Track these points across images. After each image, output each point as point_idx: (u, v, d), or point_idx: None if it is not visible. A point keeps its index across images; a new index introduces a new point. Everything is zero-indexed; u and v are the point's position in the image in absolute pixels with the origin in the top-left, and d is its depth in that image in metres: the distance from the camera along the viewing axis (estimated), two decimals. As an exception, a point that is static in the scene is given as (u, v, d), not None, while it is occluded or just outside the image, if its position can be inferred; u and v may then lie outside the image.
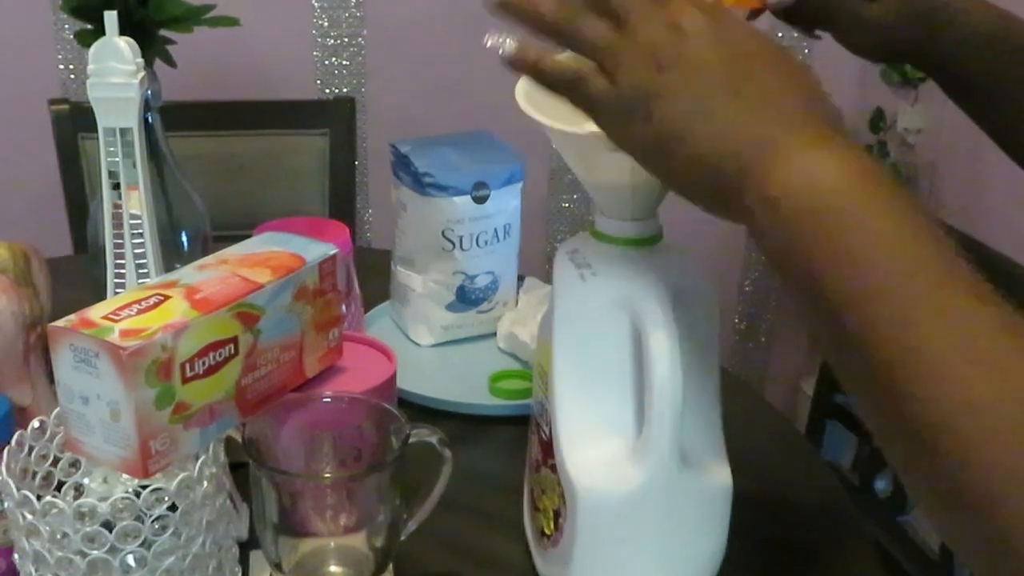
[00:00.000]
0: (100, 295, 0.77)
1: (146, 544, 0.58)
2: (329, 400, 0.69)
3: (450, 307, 1.03)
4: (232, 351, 0.65)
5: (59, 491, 0.65)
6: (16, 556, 0.60)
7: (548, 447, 0.67)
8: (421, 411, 0.91)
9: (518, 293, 1.07)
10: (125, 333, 0.58)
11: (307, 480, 0.65)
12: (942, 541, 1.06)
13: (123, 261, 0.80)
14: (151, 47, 0.90)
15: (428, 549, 0.73)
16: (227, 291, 0.65)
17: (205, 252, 0.89)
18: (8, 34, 1.73)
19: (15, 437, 0.63)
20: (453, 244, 1.01)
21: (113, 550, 0.57)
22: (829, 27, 0.82)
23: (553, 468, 0.66)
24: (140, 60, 0.77)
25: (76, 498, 0.64)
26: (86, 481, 0.66)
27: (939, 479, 0.44)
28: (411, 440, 0.64)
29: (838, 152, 0.48)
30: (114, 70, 0.76)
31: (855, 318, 0.45)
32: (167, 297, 0.63)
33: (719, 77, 0.50)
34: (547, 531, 0.69)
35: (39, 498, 0.57)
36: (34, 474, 0.64)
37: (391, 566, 0.67)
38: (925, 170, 2.01)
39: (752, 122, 0.49)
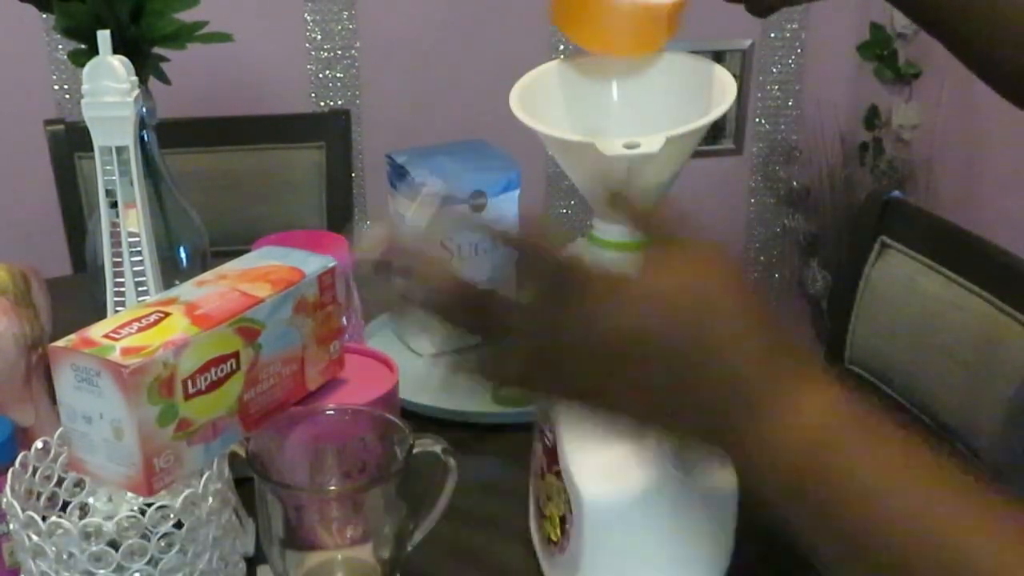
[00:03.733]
0: (100, 314, 0.77)
1: (153, 562, 0.58)
2: (332, 413, 0.69)
3: (450, 316, 1.03)
4: (233, 366, 0.64)
5: (64, 511, 0.65)
6: (23, 577, 0.60)
7: (552, 453, 0.66)
8: (424, 421, 0.91)
9: (518, 300, 1.07)
10: (126, 351, 0.58)
11: (312, 494, 0.65)
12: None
13: (122, 279, 0.80)
14: (145, 65, 0.90)
15: (435, 559, 0.73)
16: (227, 306, 0.65)
17: (204, 268, 0.89)
18: (1, 56, 1.74)
19: (19, 458, 0.63)
20: (451, 253, 1.01)
21: (120, 569, 0.57)
22: None
23: (558, 475, 0.66)
24: (134, 78, 0.77)
25: (81, 518, 0.64)
26: (91, 500, 0.66)
27: None
28: (415, 450, 0.64)
29: (820, 389, 0.47)
30: (108, 89, 0.76)
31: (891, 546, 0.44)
32: (167, 314, 0.63)
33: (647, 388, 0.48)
34: (554, 538, 0.69)
35: (44, 519, 0.57)
36: (39, 495, 0.64)
37: (398, 577, 0.67)
38: (920, 166, 2.01)
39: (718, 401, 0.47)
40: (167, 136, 0.93)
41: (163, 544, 0.58)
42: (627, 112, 0.70)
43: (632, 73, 0.70)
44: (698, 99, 0.67)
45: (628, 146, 0.58)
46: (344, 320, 0.91)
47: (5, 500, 0.59)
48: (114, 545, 0.57)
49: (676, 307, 0.47)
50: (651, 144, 0.58)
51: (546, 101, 0.68)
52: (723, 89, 0.66)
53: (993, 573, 0.42)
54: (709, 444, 0.50)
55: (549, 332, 0.49)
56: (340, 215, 1.62)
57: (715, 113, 0.63)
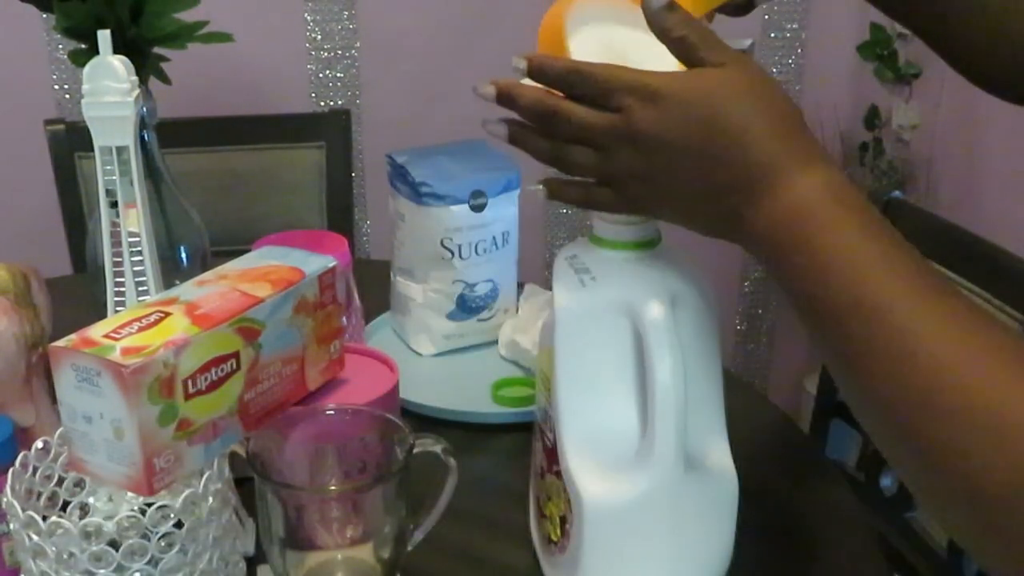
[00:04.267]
0: (100, 314, 0.77)
1: (153, 562, 0.58)
2: (332, 412, 0.69)
3: (451, 316, 1.03)
4: (234, 366, 0.65)
5: (64, 511, 0.65)
6: (23, 577, 0.60)
7: (552, 453, 0.67)
8: (424, 421, 0.91)
9: (518, 300, 1.07)
10: (126, 351, 0.58)
11: (312, 493, 0.65)
12: (950, 537, 1.06)
13: (122, 279, 0.80)
14: (145, 65, 0.90)
15: (435, 559, 0.73)
16: (227, 306, 0.65)
17: (204, 268, 0.89)
18: (1, 56, 1.74)
19: (19, 458, 0.63)
20: (452, 253, 1.01)
21: (120, 569, 0.57)
22: None
23: (558, 474, 0.66)
24: (134, 78, 0.77)
25: (82, 517, 0.64)
26: (91, 500, 0.66)
27: (948, 481, 0.47)
28: (415, 450, 0.64)
29: (815, 170, 0.54)
30: (109, 89, 0.76)
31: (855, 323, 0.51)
32: (167, 314, 0.63)
33: (683, 164, 0.56)
34: (554, 537, 0.69)
35: (45, 518, 0.57)
36: (39, 495, 0.64)
37: (399, 577, 0.67)
38: (920, 166, 2.01)
39: (731, 181, 0.55)
40: (167, 136, 0.93)
41: (163, 544, 0.58)
42: None
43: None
44: None
45: None
46: (344, 320, 0.92)
47: (5, 500, 0.59)
48: (114, 545, 0.57)
49: (691, 111, 0.54)
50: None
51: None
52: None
53: (908, 328, 0.48)
54: (723, 233, 0.57)
55: (603, 143, 0.57)
56: (340, 215, 1.62)
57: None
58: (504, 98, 0.60)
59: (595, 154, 0.58)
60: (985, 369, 0.47)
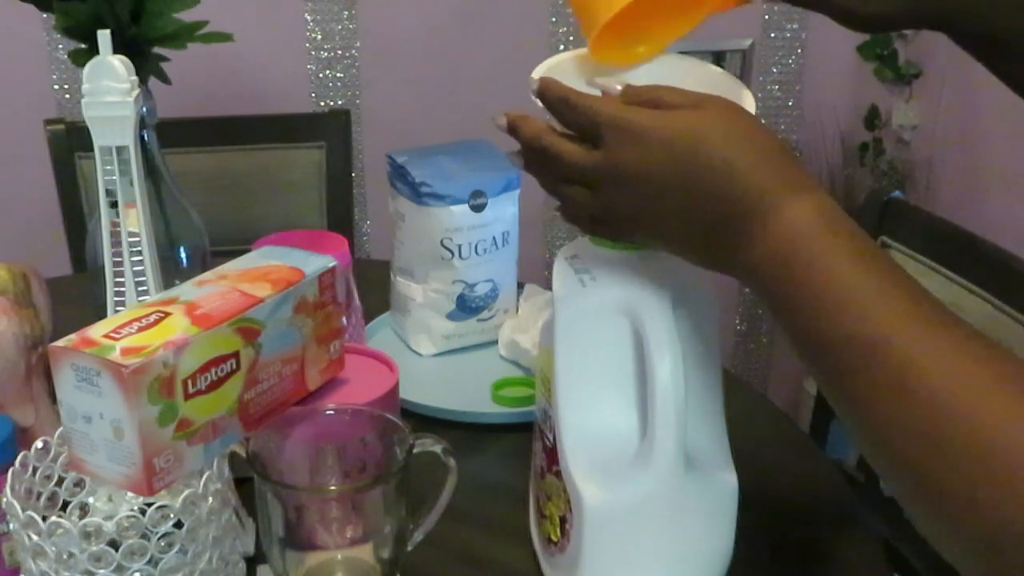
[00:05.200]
0: (100, 314, 0.77)
1: (153, 562, 0.58)
2: (332, 413, 0.69)
3: (450, 316, 1.03)
4: (234, 366, 0.64)
5: (64, 511, 0.65)
6: (23, 577, 0.60)
7: (552, 453, 0.67)
8: (424, 421, 0.91)
9: (518, 300, 1.07)
10: (126, 351, 0.58)
11: (312, 493, 0.65)
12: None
13: (122, 279, 0.80)
14: (145, 65, 0.90)
15: (435, 559, 0.73)
16: (227, 306, 0.65)
17: (204, 268, 0.89)
18: (1, 56, 1.74)
19: (19, 458, 0.63)
20: (452, 253, 1.01)
21: (120, 569, 0.57)
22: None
23: (558, 475, 0.66)
24: (134, 78, 0.77)
25: (81, 517, 0.64)
26: (91, 500, 0.66)
27: (960, 528, 0.44)
28: (415, 450, 0.64)
29: (804, 199, 0.53)
30: (109, 89, 0.76)
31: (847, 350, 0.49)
32: (167, 314, 0.63)
33: (664, 200, 0.55)
34: (554, 538, 0.69)
35: (44, 518, 0.57)
36: (39, 495, 0.64)
37: (398, 577, 0.67)
38: (920, 166, 2.01)
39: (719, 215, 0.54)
40: (167, 136, 0.93)
41: (163, 544, 0.58)
42: None
43: (653, 73, 0.69)
44: None
45: None
46: (344, 320, 0.92)
47: (5, 500, 0.59)
48: (114, 545, 0.57)
49: (675, 147, 0.54)
50: None
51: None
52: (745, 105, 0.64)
53: (913, 362, 0.46)
54: (715, 265, 0.56)
55: (591, 180, 0.57)
56: (340, 215, 1.62)
57: None
58: (511, 130, 0.61)
59: (588, 192, 0.58)
60: (995, 403, 0.43)
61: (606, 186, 0.57)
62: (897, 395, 0.46)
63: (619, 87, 0.59)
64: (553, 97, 0.58)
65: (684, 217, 0.55)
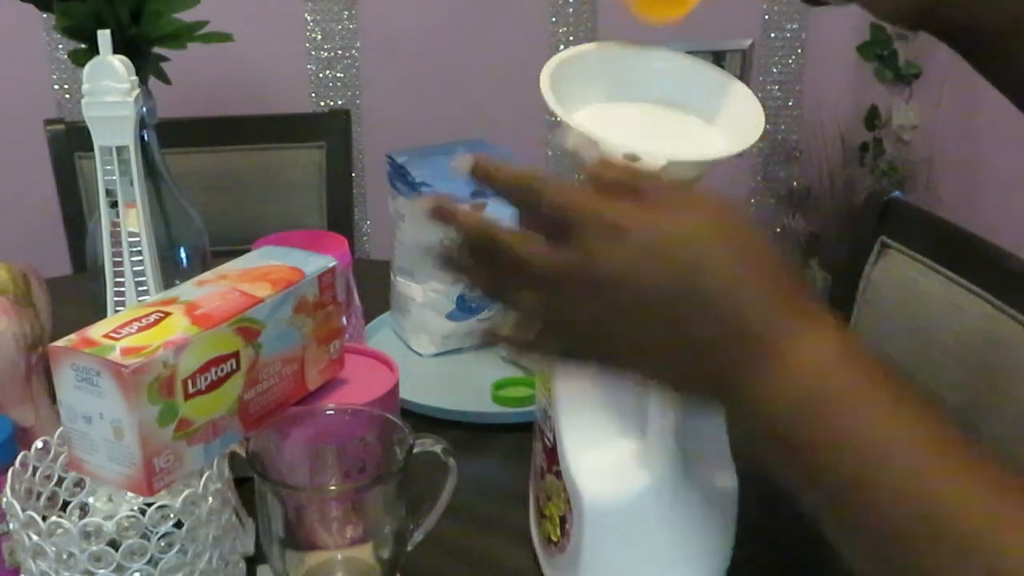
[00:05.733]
0: (100, 314, 0.77)
1: (153, 562, 0.58)
2: (332, 412, 0.69)
3: (450, 316, 1.03)
4: (234, 366, 0.64)
5: (64, 511, 0.65)
6: (23, 577, 0.60)
7: (552, 453, 0.67)
8: (424, 421, 0.91)
9: (518, 300, 1.07)
10: (126, 351, 0.58)
11: (312, 493, 0.65)
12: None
13: (122, 279, 0.80)
14: (145, 65, 0.90)
15: (435, 559, 0.73)
16: (227, 306, 0.65)
17: (204, 268, 0.89)
18: (1, 56, 1.74)
19: (19, 458, 0.63)
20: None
21: (120, 569, 0.57)
22: None
23: (558, 474, 0.66)
24: (134, 78, 0.77)
25: (81, 517, 0.64)
26: (91, 500, 0.66)
27: None
28: (415, 450, 0.64)
29: (824, 332, 0.46)
30: (109, 89, 0.76)
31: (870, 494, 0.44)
32: (167, 314, 0.63)
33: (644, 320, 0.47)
34: (554, 537, 0.69)
35: (44, 518, 0.57)
36: (39, 495, 0.64)
37: (398, 577, 0.68)
38: (920, 166, 2.01)
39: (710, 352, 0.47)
40: (167, 136, 0.93)
41: (163, 544, 0.58)
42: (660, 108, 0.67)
43: (670, 75, 0.68)
44: (727, 121, 0.65)
45: (629, 157, 0.57)
46: (344, 320, 0.92)
47: (5, 500, 0.59)
48: (114, 545, 0.57)
49: (671, 253, 0.46)
50: (652, 161, 0.55)
51: (582, 82, 0.64)
52: (750, 124, 0.62)
53: (980, 533, 0.41)
54: (707, 396, 0.49)
55: (553, 285, 0.48)
56: (340, 215, 1.62)
57: (725, 150, 0.60)
58: (445, 217, 0.52)
59: (542, 297, 0.49)
60: None
61: (569, 292, 0.48)
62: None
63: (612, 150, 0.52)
64: (509, 180, 0.50)
65: (673, 333, 0.47)
